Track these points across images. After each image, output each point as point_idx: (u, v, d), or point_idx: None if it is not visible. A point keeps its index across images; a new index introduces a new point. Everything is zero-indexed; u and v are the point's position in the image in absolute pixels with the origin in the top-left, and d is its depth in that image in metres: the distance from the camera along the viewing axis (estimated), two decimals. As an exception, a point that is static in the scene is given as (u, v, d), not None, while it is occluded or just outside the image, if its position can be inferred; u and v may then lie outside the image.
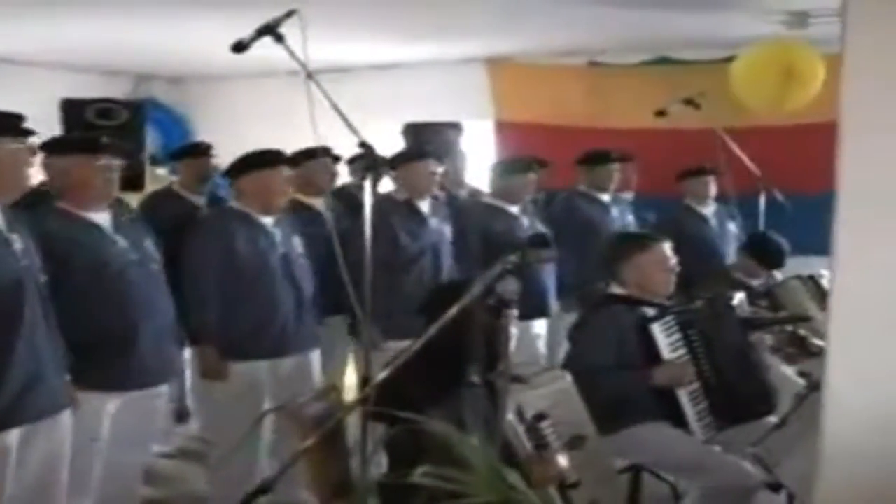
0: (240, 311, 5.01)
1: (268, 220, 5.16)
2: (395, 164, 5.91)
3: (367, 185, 3.40)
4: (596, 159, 6.99)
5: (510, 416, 3.73)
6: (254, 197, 5.13)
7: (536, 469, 3.61)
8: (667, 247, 4.75)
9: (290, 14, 3.47)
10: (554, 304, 6.50)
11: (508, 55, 8.62)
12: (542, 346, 6.46)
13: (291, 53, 3.47)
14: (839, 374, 2.57)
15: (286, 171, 5.23)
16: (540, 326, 6.46)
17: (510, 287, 3.24)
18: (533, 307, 6.23)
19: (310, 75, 3.47)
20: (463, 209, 6.65)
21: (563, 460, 3.72)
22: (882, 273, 2.51)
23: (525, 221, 6.39)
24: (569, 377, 4.56)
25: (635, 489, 4.61)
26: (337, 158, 6.39)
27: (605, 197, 7.01)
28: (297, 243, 5.27)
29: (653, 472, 4.60)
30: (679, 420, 4.50)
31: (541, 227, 6.41)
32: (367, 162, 3.56)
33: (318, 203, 6.04)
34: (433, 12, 6.91)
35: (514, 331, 6.09)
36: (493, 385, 3.64)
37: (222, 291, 4.99)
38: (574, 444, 3.94)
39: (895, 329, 2.53)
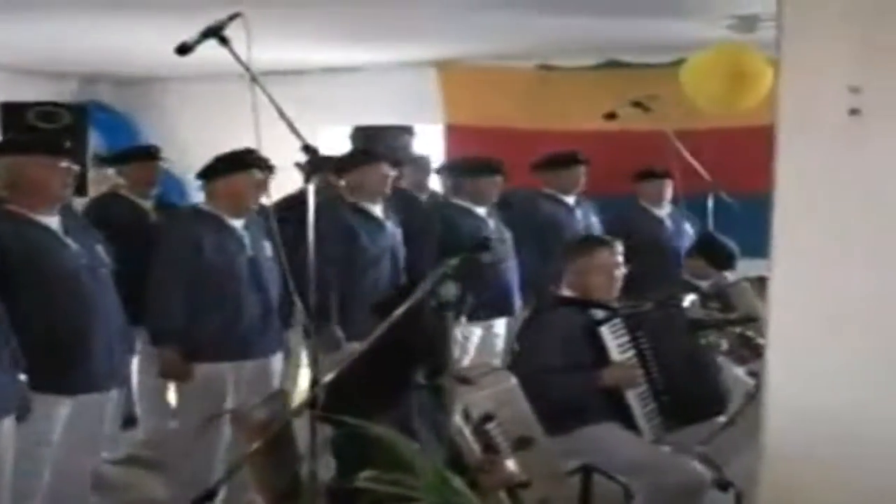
0: (205, 312, 5.01)
1: (237, 223, 5.15)
2: (347, 167, 5.89)
3: (311, 188, 3.38)
4: (563, 162, 7.00)
5: (457, 419, 3.73)
6: (225, 199, 5.12)
7: (485, 472, 3.60)
8: (611, 251, 4.77)
9: (234, 17, 3.44)
10: (518, 303, 6.49)
11: (459, 59, 8.61)
12: (501, 344, 6.46)
13: (235, 56, 3.44)
14: (778, 372, 2.60)
15: (258, 175, 5.21)
16: (500, 326, 6.47)
17: (450, 291, 3.24)
18: (496, 307, 6.26)
19: (254, 78, 3.44)
20: (429, 211, 6.65)
21: (510, 463, 3.72)
22: (818, 272, 2.54)
23: (491, 223, 6.40)
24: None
25: (586, 489, 4.61)
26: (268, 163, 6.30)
27: (570, 199, 7.03)
28: (267, 247, 5.23)
29: (603, 472, 4.62)
30: (628, 421, 4.53)
31: (504, 230, 6.44)
32: (311, 165, 3.55)
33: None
34: (383, 15, 6.90)
35: (476, 331, 6.22)
36: (439, 387, 3.64)
37: (189, 292, 4.98)
38: (521, 444, 3.94)
39: (832, 327, 2.55)
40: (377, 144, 7.59)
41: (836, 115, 2.48)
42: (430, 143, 8.87)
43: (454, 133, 8.70)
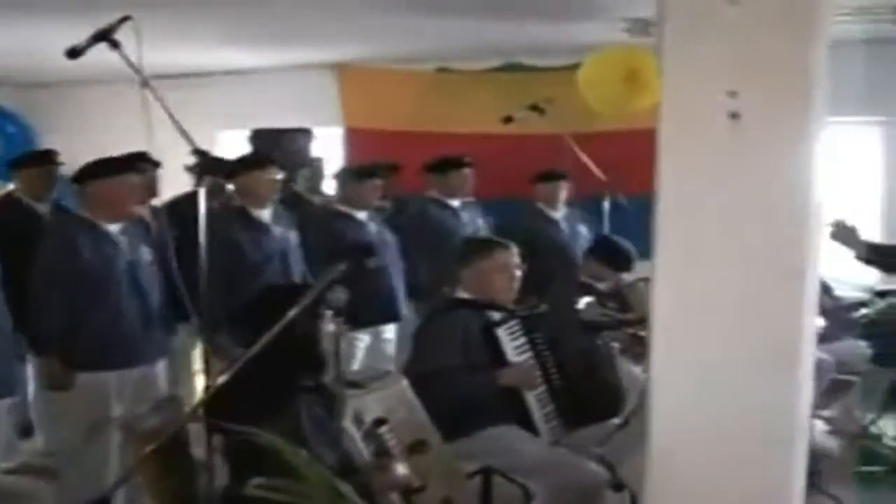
0: (85, 320, 4.91)
1: (114, 228, 5.06)
2: (235, 171, 5.83)
3: (202, 192, 3.34)
4: (448, 165, 6.99)
5: (347, 423, 3.71)
6: (100, 204, 5.03)
7: (375, 477, 3.59)
8: (510, 253, 4.79)
9: (124, 20, 3.39)
10: (405, 308, 6.47)
11: (358, 61, 8.61)
12: (392, 350, 6.44)
13: (127, 60, 3.40)
14: (662, 369, 2.64)
15: (134, 179, 5.12)
16: (391, 331, 6.45)
17: (338, 296, 3.23)
18: (384, 312, 6.24)
19: (145, 82, 3.39)
20: (309, 216, 6.60)
21: (402, 467, 3.71)
22: (698, 271, 2.59)
23: (373, 227, 6.37)
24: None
25: (486, 491, 4.63)
26: (157, 164, 6.22)
27: (456, 202, 7.02)
28: (146, 252, 5.15)
29: (503, 474, 4.63)
30: (527, 422, 4.54)
31: (388, 234, 6.42)
32: (200, 168, 3.51)
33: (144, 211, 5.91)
34: (281, 19, 6.86)
35: (364, 337, 6.19)
36: (328, 392, 3.63)
37: (67, 300, 4.89)
38: (415, 448, 3.94)
39: (713, 325, 2.61)
40: (275, 147, 7.54)
41: (715, 118, 2.53)
42: (331, 147, 8.86)
43: (354, 136, 8.67)
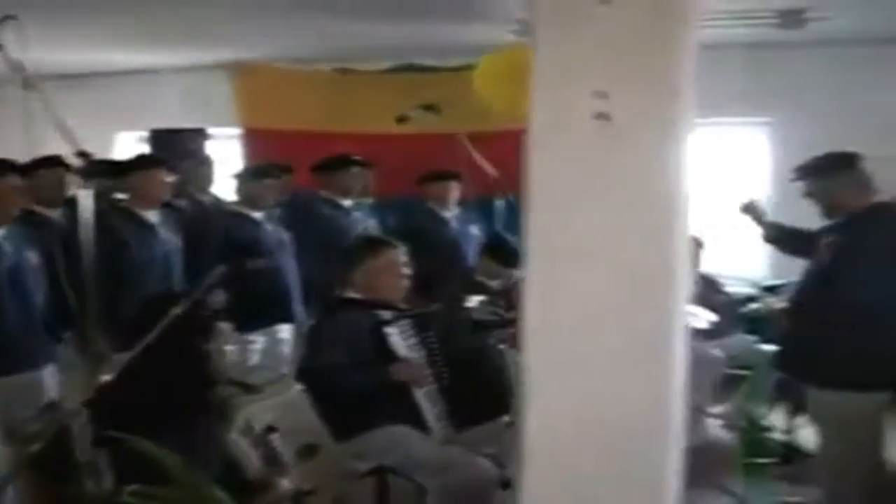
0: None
1: (-1, 231, 4.94)
2: (125, 173, 5.75)
3: (84, 195, 3.30)
4: (336, 164, 6.97)
5: (236, 432, 3.69)
6: None
7: (263, 487, 3.58)
8: (398, 252, 4.81)
9: (6, 18, 3.33)
10: (299, 309, 6.44)
11: (255, 61, 8.55)
12: (287, 351, 6.40)
13: (8, 61, 3.34)
14: (535, 370, 2.67)
15: (15, 181, 5.01)
16: (286, 331, 6.41)
17: (217, 298, 3.22)
18: (278, 313, 6.20)
19: (28, 83, 3.34)
20: (202, 216, 6.53)
21: (285, 482, 3.69)
22: (568, 274, 2.62)
23: (269, 227, 6.33)
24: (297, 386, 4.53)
25: (381, 491, 4.63)
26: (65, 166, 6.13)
27: (347, 202, 7.00)
28: (31, 256, 5.04)
29: (397, 473, 4.64)
30: (419, 422, 4.55)
31: (284, 234, 6.38)
32: (85, 170, 3.47)
33: (56, 214, 5.80)
34: (178, 18, 6.80)
35: (259, 338, 6.15)
36: (216, 398, 3.60)
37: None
38: (305, 453, 3.93)
39: (584, 323, 2.64)
40: (171, 148, 7.45)
41: (584, 118, 2.56)
42: (229, 147, 8.79)
43: (251, 137, 8.61)
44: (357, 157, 6.98)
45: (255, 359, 6.12)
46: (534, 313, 2.62)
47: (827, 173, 4.79)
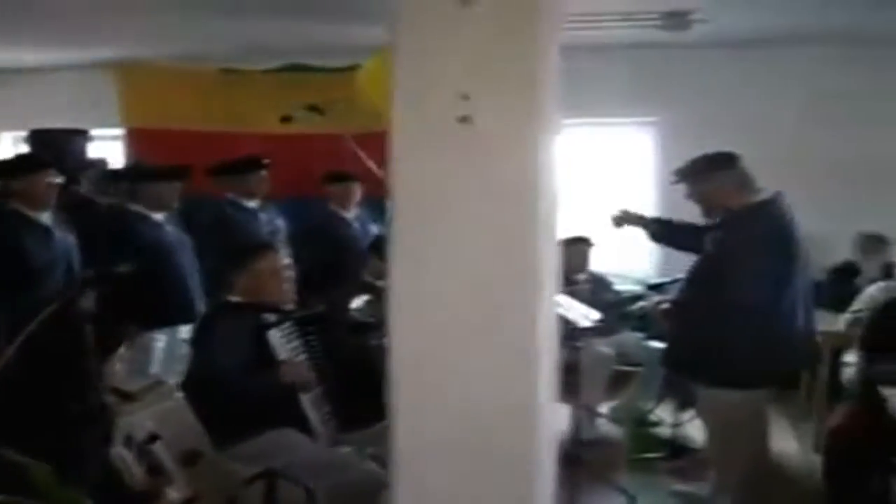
0: None
1: None
2: (9, 174, 5.60)
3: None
4: (243, 166, 6.90)
5: (117, 445, 3.62)
6: None
7: (148, 498, 3.52)
8: (278, 255, 4.78)
9: None
10: (202, 309, 6.31)
11: (139, 60, 8.41)
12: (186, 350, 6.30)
13: None
14: (400, 374, 2.66)
15: None
16: (186, 332, 6.30)
17: (86, 302, 3.15)
18: (180, 313, 6.11)
19: None
20: (100, 217, 6.39)
21: (173, 491, 3.64)
22: (431, 277, 2.62)
23: (170, 228, 6.22)
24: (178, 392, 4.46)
25: (270, 495, 4.58)
26: None
27: (253, 203, 6.93)
28: None
29: (285, 476, 4.59)
30: (305, 425, 4.53)
31: (184, 235, 6.28)
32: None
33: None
34: (61, 16, 6.66)
35: (161, 337, 6.04)
36: (95, 408, 3.53)
37: None
38: (189, 459, 3.87)
39: (450, 327, 2.64)
40: (52, 149, 7.27)
41: (447, 121, 2.56)
42: (111, 147, 8.64)
43: (135, 136, 8.45)
44: (263, 160, 6.91)
45: (157, 357, 6.02)
46: (397, 319, 2.61)
47: (705, 175, 4.84)
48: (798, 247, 4.71)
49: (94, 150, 8.23)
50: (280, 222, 7.07)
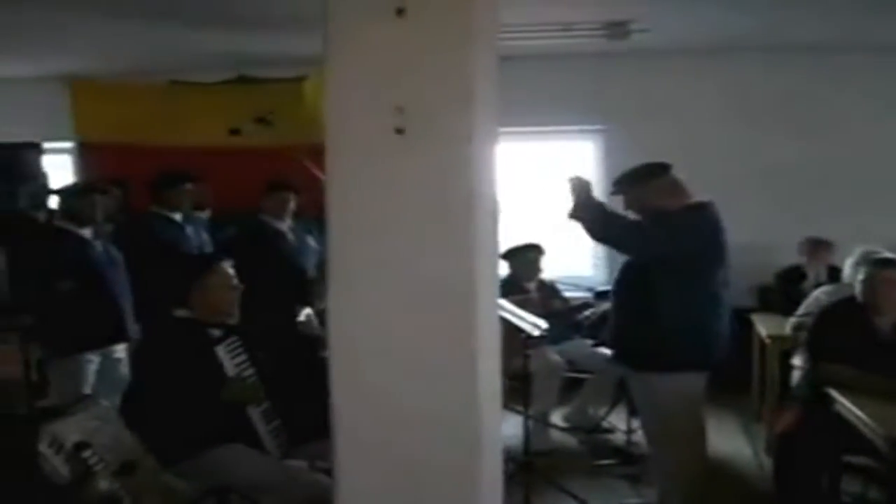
0: None
1: None
2: None
3: None
4: (170, 181, 6.83)
5: (43, 447, 3.58)
6: None
7: (73, 490, 3.49)
8: (224, 269, 4.73)
9: None
10: (133, 328, 6.24)
11: (88, 74, 8.34)
12: (124, 369, 6.20)
13: None
14: (341, 393, 2.65)
15: None
16: (122, 351, 6.22)
17: (24, 321, 3.12)
18: (112, 332, 6.03)
19: None
20: (29, 234, 6.29)
21: (105, 483, 3.61)
22: (369, 291, 2.61)
23: (98, 245, 6.12)
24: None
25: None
26: None
27: (178, 216, 6.85)
28: None
29: (236, 492, 4.55)
30: (254, 439, 4.48)
31: (115, 251, 6.19)
32: None
33: None
34: (11, 29, 6.59)
35: (94, 358, 5.96)
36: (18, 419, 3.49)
37: None
38: (125, 469, 3.83)
39: (388, 345, 2.63)
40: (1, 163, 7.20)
41: (381, 133, 2.55)
42: (61, 161, 8.57)
43: (85, 151, 8.38)
44: (189, 174, 6.83)
45: (91, 378, 5.92)
46: (336, 327, 2.60)
47: (639, 183, 4.95)
48: (724, 248, 4.84)
49: (47, 164, 8.15)
50: (205, 236, 7.01)
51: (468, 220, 2.62)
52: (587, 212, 4.91)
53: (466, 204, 2.61)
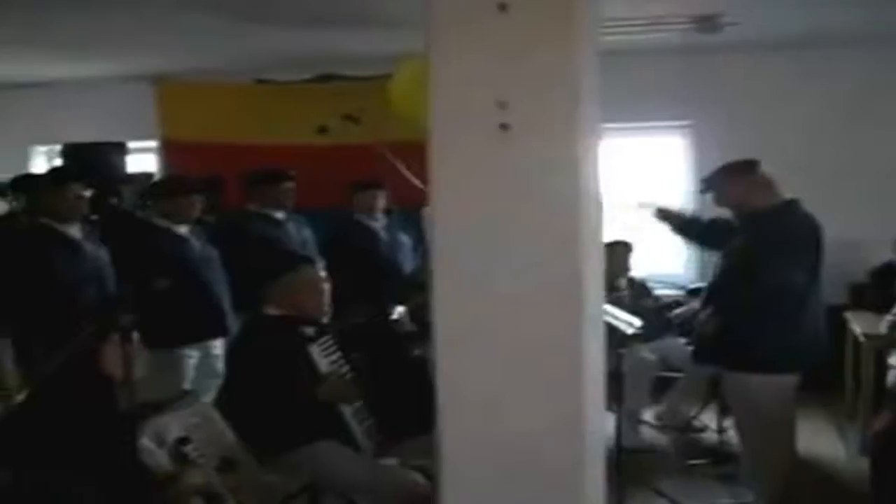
0: None
1: None
2: (37, 189, 5.62)
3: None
4: (270, 179, 6.87)
5: (147, 441, 3.62)
6: None
7: (172, 482, 3.52)
8: (316, 268, 4.74)
9: None
10: (232, 323, 6.28)
11: (175, 73, 8.44)
12: (221, 365, 6.26)
13: None
14: (447, 391, 2.63)
15: None
16: (220, 346, 6.27)
17: (126, 318, 3.15)
18: (211, 328, 6.08)
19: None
20: (129, 232, 6.37)
21: (198, 474, 3.64)
22: (474, 287, 2.59)
23: (195, 242, 6.17)
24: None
25: (314, 509, 4.56)
26: None
27: (280, 214, 6.88)
28: None
29: (328, 490, 4.57)
30: (349, 437, 4.49)
31: (211, 249, 6.24)
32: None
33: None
34: (96, 29, 6.68)
35: (194, 353, 6.02)
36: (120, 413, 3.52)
37: None
38: (225, 466, 3.87)
39: (494, 339, 2.61)
40: (87, 162, 7.29)
41: (485, 129, 2.53)
42: (149, 160, 8.69)
43: (170, 149, 8.47)
44: (288, 172, 6.85)
45: (190, 373, 5.99)
46: (442, 327, 2.58)
47: (729, 182, 4.90)
48: (817, 247, 4.81)
49: (132, 163, 8.25)
50: (308, 233, 7.04)
51: (575, 218, 2.60)
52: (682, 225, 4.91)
53: (573, 201, 2.58)
